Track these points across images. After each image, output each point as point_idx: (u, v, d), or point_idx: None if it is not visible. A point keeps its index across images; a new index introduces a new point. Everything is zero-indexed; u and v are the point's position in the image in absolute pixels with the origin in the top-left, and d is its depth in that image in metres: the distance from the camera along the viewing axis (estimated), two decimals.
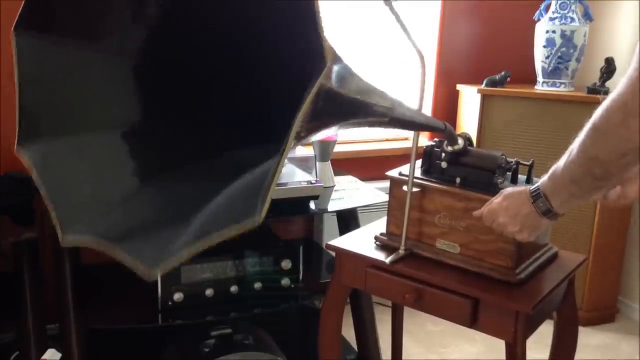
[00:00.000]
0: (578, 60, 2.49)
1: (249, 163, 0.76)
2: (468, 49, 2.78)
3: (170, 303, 1.69)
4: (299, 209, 1.77)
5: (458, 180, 1.28)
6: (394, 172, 1.39)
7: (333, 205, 1.84)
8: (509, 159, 1.29)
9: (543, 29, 2.49)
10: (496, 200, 1.15)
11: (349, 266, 1.40)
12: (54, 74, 0.83)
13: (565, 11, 2.45)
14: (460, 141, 1.29)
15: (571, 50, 2.46)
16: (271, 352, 1.74)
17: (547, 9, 2.52)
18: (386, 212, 1.40)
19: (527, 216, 1.08)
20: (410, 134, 2.69)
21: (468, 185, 1.27)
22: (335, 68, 0.74)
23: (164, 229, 0.75)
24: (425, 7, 2.70)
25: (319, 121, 0.76)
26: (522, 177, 1.31)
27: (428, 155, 1.36)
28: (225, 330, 1.75)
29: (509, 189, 1.14)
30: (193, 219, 0.73)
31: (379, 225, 1.46)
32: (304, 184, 1.74)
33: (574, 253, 1.42)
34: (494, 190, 1.20)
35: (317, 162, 1.92)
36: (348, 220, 1.96)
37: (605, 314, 2.61)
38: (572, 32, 2.44)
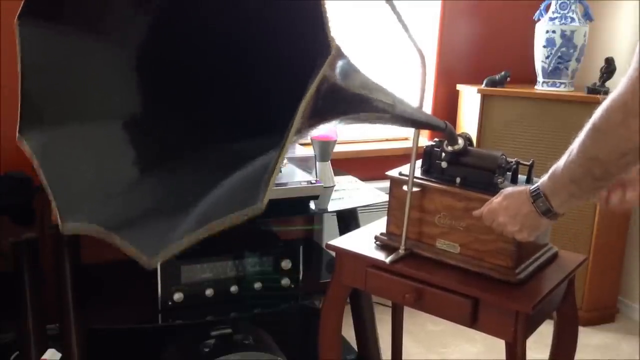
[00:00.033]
0: (578, 60, 2.49)
1: (249, 155, 0.76)
2: (468, 49, 2.78)
3: (170, 303, 1.69)
4: (299, 209, 1.77)
5: (458, 180, 1.28)
6: (394, 172, 1.39)
7: (333, 205, 1.84)
8: (509, 159, 1.29)
9: (543, 29, 2.50)
10: (496, 199, 1.15)
11: (349, 266, 1.40)
12: (57, 64, 0.83)
13: (565, 11, 2.45)
14: (461, 141, 1.29)
15: (571, 50, 2.46)
16: (271, 352, 1.74)
17: (547, 9, 2.52)
18: (386, 212, 1.40)
19: (527, 216, 1.08)
20: (410, 133, 2.69)
21: (468, 185, 1.27)
22: (340, 63, 0.74)
23: (165, 218, 0.75)
24: (425, 7, 2.70)
25: (321, 115, 0.76)
26: (522, 177, 1.31)
27: (428, 155, 1.36)
28: (225, 330, 1.75)
29: (509, 189, 1.14)
30: (193, 208, 0.73)
31: (379, 225, 1.46)
32: (304, 184, 1.74)
33: (574, 253, 1.42)
34: (494, 190, 1.20)
35: (317, 162, 1.92)
36: (348, 220, 1.96)
37: (605, 314, 2.61)
38: (572, 32, 2.44)
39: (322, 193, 1.79)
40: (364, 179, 2.19)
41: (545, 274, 1.29)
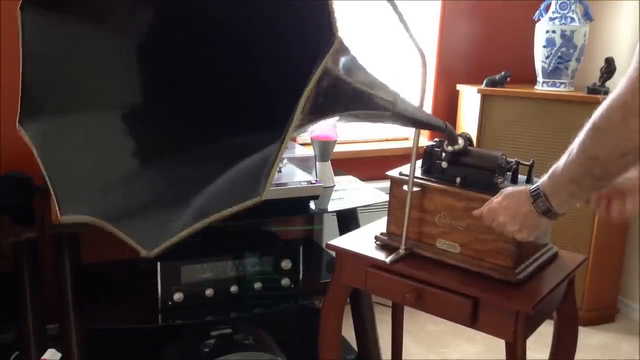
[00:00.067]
0: (578, 60, 2.49)
1: (249, 149, 0.76)
2: (468, 49, 2.78)
3: (170, 303, 1.69)
4: (299, 209, 1.77)
5: (458, 180, 1.29)
6: (394, 172, 1.39)
7: (333, 205, 1.84)
8: (509, 159, 1.29)
9: (543, 29, 2.49)
10: (496, 199, 1.15)
11: (349, 266, 1.40)
12: (58, 52, 0.83)
13: (565, 11, 2.45)
14: (461, 141, 1.29)
15: (571, 50, 2.46)
16: (271, 352, 1.74)
17: (547, 9, 2.52)
18: (386, 212, 1.40)
19: (527, 215, 1.08)
20: (410, 133, 2.69)
21: (468, 185, 1.27)
22: (343, 59, 0.74)
23: (164, 209, 0.75)
24: (425, 7, 2.70)
25: (322, 111, 0.75)
26: (522, 177, 1.31)
27: (428, 155, 1.36)
28: (225, 330, 1.75)
29: (509, 189, 1.14)
30: (193, 200, 0.73)
31: (379, 225, 1.46)
32: (304, 184, 1.74)
33: (574, 253, 1.42)
34: (494, 190, 1.20)
35: (317, 162, 1.92)
36: (348, 220, 1.96)
37: (605, 314, 2.61)
38: (572, 32, 2.44)
39: (322, 193, 1.79)
40: (364, 179, 2.19)
41: (545, 274, 1.29)
